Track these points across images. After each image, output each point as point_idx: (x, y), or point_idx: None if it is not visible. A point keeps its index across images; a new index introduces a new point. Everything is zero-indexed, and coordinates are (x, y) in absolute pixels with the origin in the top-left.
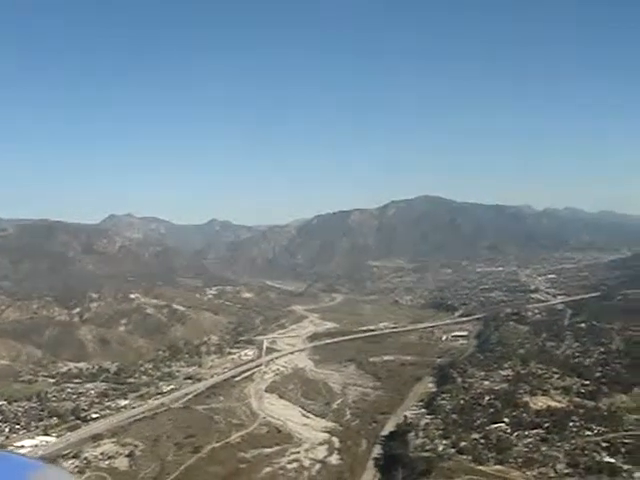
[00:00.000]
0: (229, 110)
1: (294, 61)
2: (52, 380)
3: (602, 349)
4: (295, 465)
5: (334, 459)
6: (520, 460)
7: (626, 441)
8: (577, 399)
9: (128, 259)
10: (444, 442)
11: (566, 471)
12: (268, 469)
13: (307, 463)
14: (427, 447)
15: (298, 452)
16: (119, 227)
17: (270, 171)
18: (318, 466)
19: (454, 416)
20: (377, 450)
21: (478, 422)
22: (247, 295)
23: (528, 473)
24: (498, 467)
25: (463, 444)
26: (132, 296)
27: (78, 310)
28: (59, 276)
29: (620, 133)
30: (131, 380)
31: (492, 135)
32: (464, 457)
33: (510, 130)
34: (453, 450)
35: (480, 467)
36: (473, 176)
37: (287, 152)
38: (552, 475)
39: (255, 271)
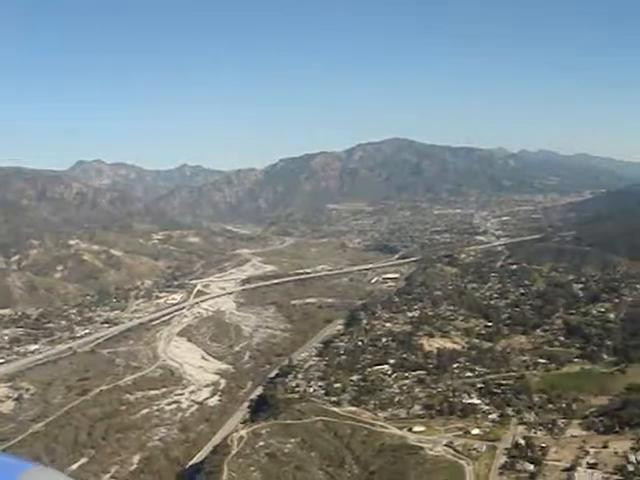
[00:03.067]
0: (201, 55)
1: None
2: None
3: (522, 290)
4: (173, 407)
5: (213, 401)
6: (383, 401)
7: (502, 382)
8: (476, 340)
9: (84, 206)
10: (319, 384)
11: (419, 412)
12: (146, 411)
13: (185, 405)
14: (298, 389)
15: (182, 394)
16: (87, 173)
17: (242, 115)
18: (195, 407)
19: (342, 357)
20: (258, 392)
21: (363, 364)
22: (193, 240)
23: (380, 414)
24: (352, 409)
25: (337, 385)
26: (72, 242)
27: (17, 257)
28: (9, 224)
29: (600, 76)
30: (49, 325)
31: (467, 76)
32: (330, 398)
33: (486, 71)
34: (322, 392)
35: (334, 409)
36: (446, 118)
37: (262, 94)
38: (403, 416)
39: (217, 215)
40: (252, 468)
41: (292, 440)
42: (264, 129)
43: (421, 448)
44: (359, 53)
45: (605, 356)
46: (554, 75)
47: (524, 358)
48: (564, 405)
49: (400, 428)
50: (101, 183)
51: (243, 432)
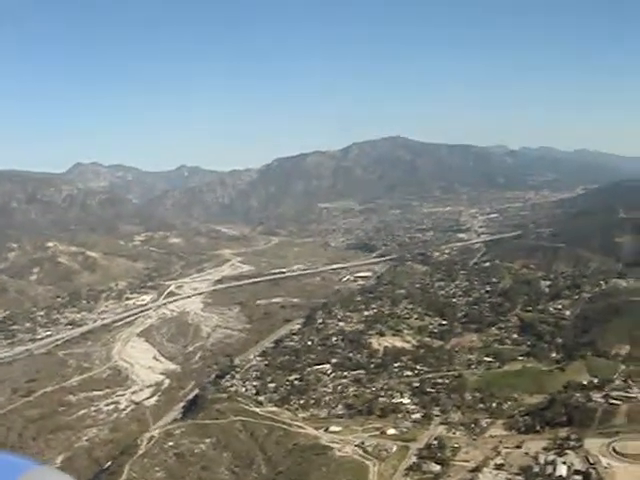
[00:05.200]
0: (199, 56)
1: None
2: None
3: (488, 288)
4: (111, 407)
5: (152, 401)
6: (309, 401)
7: (439, 381)
8: (427, 339)
9: (73, 208)
10: (254, 384)
11: (340, 412)
12: (83, 411)
13: (123, 405)
14: (231, 389)
15: (123, 395)
16: (85, 176)
17: (241, 116)
18: (131, 408)
19: (285, 357)
20: (196, 392)
21: (304, 363)
22: (174, 240)
23: (300, 414)
24: (273, 409)
25: (271, 385)
26: (49, 244)
27: None
28: None
29: (603, 71)
30: (13, 327)
31: (470, 75)
32: (257, 398)
33: (490, 70)
34: (254, 392)
35: (255, 409)
36: (449, 117)
37: (261, 95)
38: (323, 416)
39: (210, 216)
40: (157, 468)
41: (206, 440)
42: (262, 130)
43: (330, 448)
44: (362, 53)
45: (554, 354)
46: (557, 71)
47: (470, 356)
48: (494, 404)
49: (317, 428)
50: (98, 185)
51: (155, 432)
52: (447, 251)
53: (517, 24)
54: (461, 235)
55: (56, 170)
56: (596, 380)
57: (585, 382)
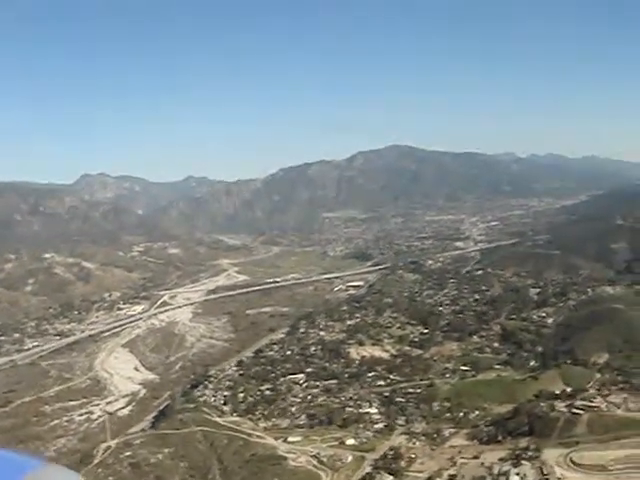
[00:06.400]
0: (205, 66)
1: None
2: None
3: (477, 296)
4: (84, 417)
5: (125, 411)
6: (274, 411)
7: (410, 391)
8: (407, 348)
9: (76, 219)
10: (225, 394)
11: (301, 422)
12: (56, 422)
13: (96, 415)
14: (200, 399)
15: (98, 405)
16: (92, 187)
17: (246, 126)
18: (104, 418)
19: (261, 367)
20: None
21: (278, 373)
22: (173, 251)
23: (262, 424)
24: (236, 419)
25: (240, 396)
26: (46, 256)
27: None
28: None
29: (612, 78)
30: (2, 338)
31: (475, 82)
32: (223, 408)
33: (496, 75)
34: (222, 402)
35: (217, 419)
36: (453, 125)
37: (267, 106)
38: (284, 426)
39: (214, 226)
40: (110, 478)
41: (165, 450)
42: (269, 140)
43: (285, 458)
44: (367, 62)
45: (532, 362)
46: (568, 78)
47: (447, 365)
48: (461, 414)
49: (277, 438)
50: (105, 196)
51: (112, 442)
52: (441, 259)
53: (524, 31)
54: (459, 243)
55: (64, 181)
56: (569, 389)
57: (558, 391)
